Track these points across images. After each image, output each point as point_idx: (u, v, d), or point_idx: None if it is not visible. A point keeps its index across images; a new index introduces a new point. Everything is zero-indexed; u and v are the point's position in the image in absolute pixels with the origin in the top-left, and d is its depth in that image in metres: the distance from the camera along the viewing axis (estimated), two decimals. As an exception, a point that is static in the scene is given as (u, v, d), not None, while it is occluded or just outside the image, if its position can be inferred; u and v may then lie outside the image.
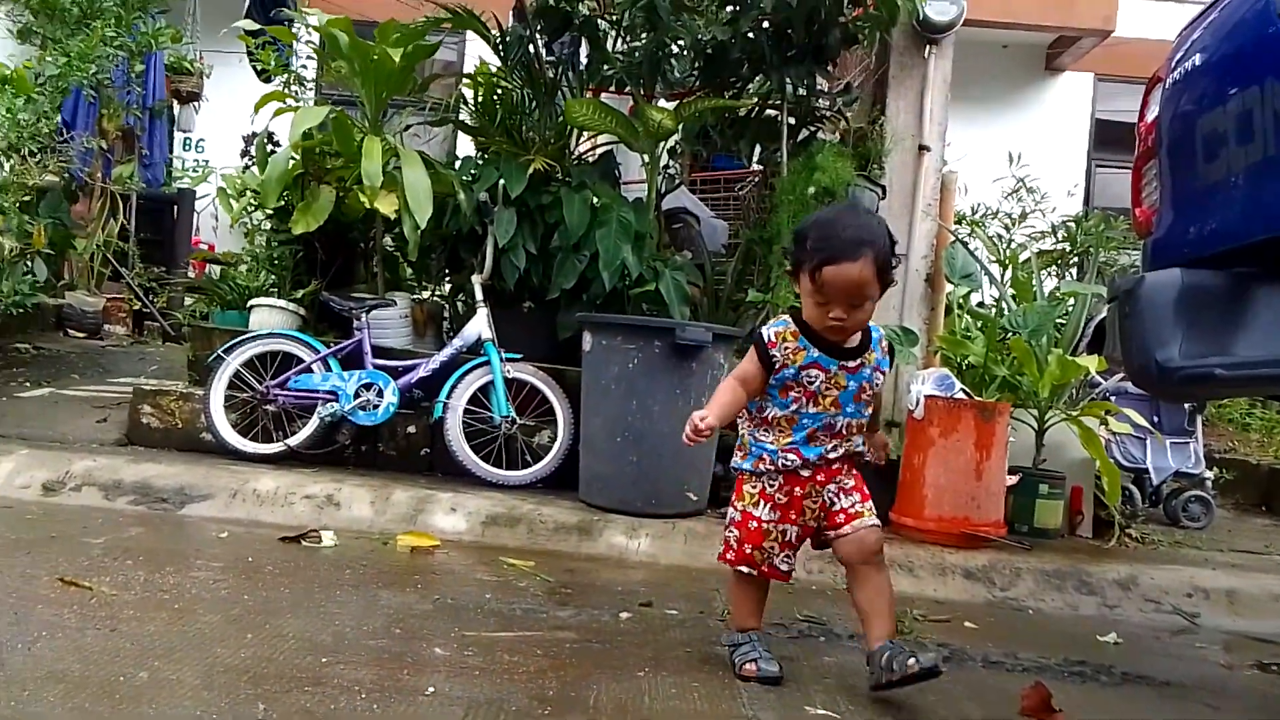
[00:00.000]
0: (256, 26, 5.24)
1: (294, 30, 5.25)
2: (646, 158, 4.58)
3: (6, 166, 5.49)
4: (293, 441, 3.94)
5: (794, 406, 2.15)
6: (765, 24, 4.42)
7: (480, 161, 4.58)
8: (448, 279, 4.94)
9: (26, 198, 5.41)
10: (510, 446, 3.99)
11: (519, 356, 4.09)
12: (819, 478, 2.18)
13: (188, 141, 9.42)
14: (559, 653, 2.28)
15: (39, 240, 5.25)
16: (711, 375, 3.68)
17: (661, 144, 4.63)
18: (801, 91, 4.66)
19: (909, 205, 4.69)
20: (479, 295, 4.15)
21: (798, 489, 2.18)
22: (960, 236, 4.90)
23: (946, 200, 4.82)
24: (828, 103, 4.99)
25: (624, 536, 3.40)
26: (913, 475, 3.66)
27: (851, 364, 2.14)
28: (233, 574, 2.71)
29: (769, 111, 4.89)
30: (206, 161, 9.06)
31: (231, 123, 7.71)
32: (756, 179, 5.45)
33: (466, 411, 3.97)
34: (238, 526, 3.28)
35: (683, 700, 2.05)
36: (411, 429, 4.17)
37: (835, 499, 2.19)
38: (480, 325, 4.08)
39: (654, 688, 2.11)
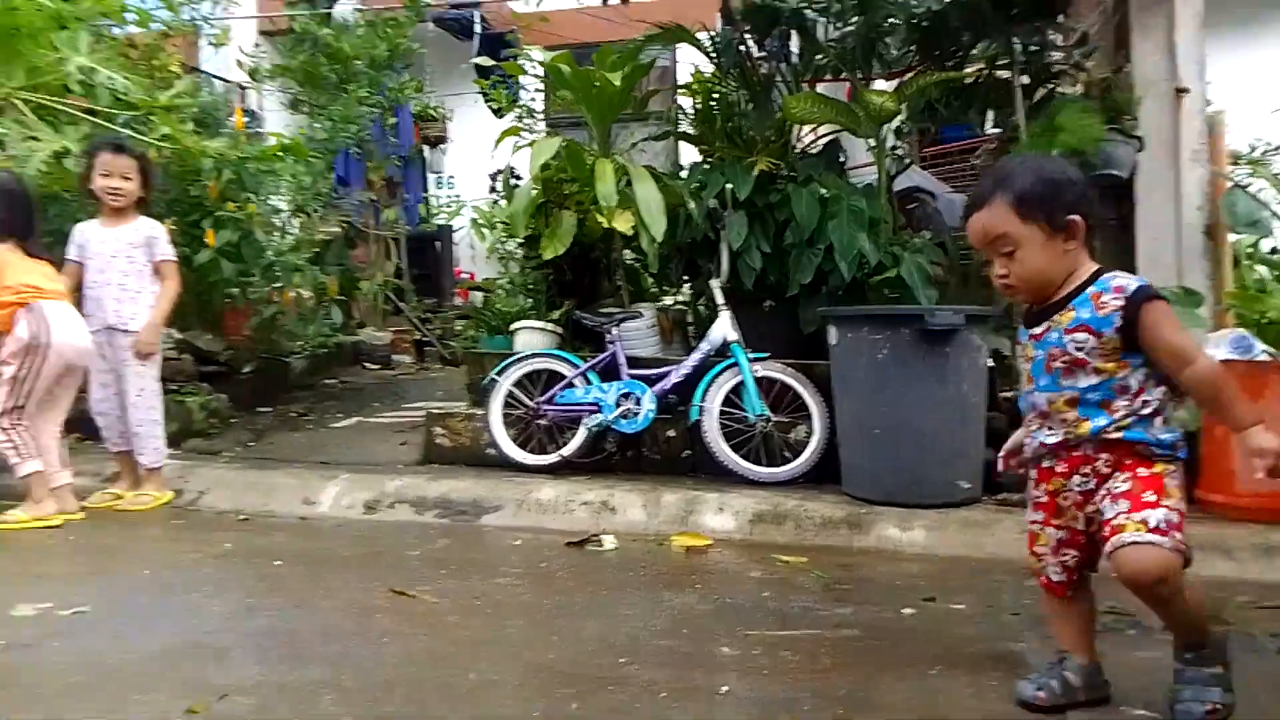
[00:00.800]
0: (489, 62, 5.64)
1: (520, 65, 5.60)
2: (872, 142, 4.51)
3: (296, 225, 6.26)
4: (565, 452, 4.23)
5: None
6: (984, -15, 4.22)
7: (705, 168, 4.69)
8: (687, 285, 5.09)
9: (316, 250, 6.14)
10: (768, 444, 4.06)
11: (766, 355, 4.16)
12: (1059, 469, 1.89)
13: (440, 180, 10.27)
14: (844, 651, 2.31)
15: (332, 289, 5.94)
16: (969, 359, 3.58)
17: (885, 126, 4.54)
18: (1032, 49, 4.40)
19: (1172, 154, 4.31)
20: (719, 299, 4.26)
21: (1045, 484, 1.93)
22: (1238, 180, 4.44)
23: (1216, 143, 4.39)
24: (1063, 56, 4.68)
25: (896, 529, 3.38)
26: (1216, 448, 3.35)
27: (1038, 330, 1.89)
28: (530, 579, 2.96)
29: (999, 74, 4.67)
30: (458, 196, 9.83)
31: (475, 157, 8.34)
32: (993, 146, 5.21)
33: (721, 412, 4.09)
34: (527, 534, 3.57)
35: (980, 700, 2.01)
36: (671, 433, 4.35)
37: (1102, 505, 1.82)
38: (724, 328, 4.19)
39: (948, 687, 2.08)
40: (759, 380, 4.08)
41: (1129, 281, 1.80)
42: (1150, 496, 1.75)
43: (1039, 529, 1.96)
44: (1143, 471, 1.79)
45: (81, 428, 4.88)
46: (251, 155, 5.34)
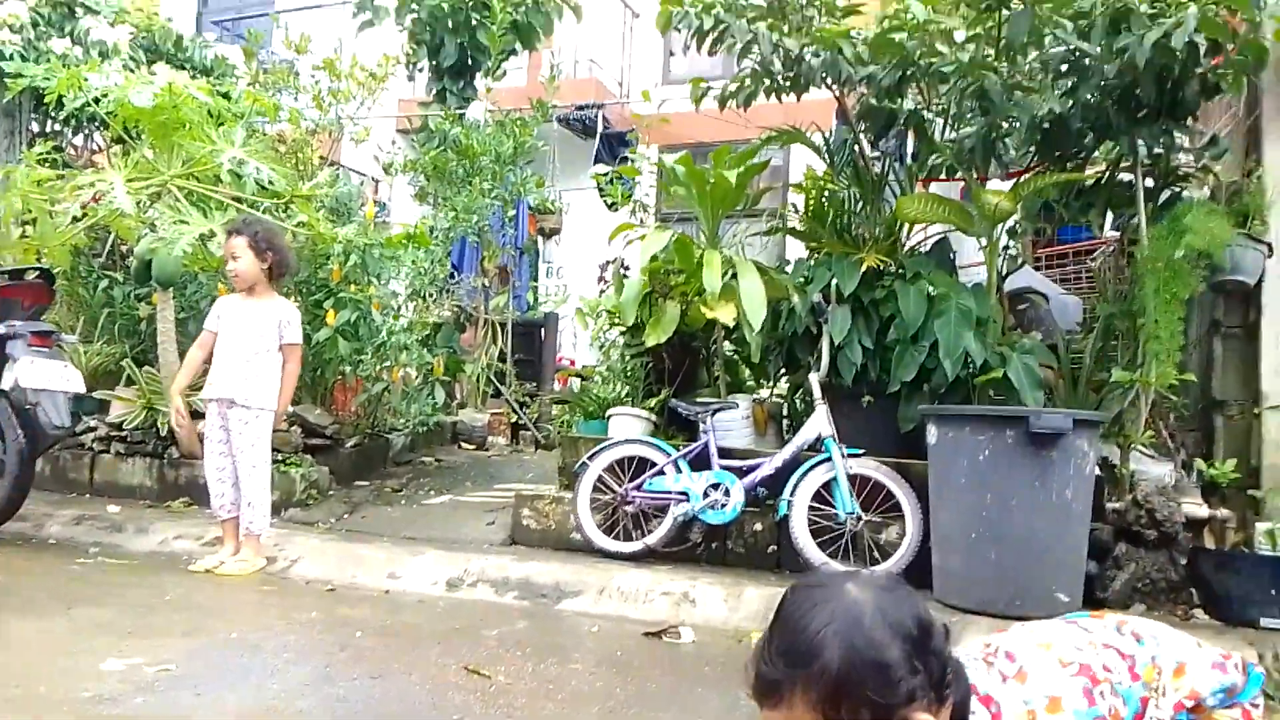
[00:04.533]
0: (607, 169, 5.86)
1: (636, 166, 5.79)
2: (984, 241, 4.44)
3: (411, 309, 6.53)
4: (650, 540, 4.18)
5: None
6: (1109, 88, 4.16)
7: (812, 263, 4.70)
8: (785, 378, 5.06)
9: (426, 333, 6.38)
10: (856, 543, 3.93)
11: (860, 452, 4.06)
12: None
13: (550, 270, 10.62)
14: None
15: (438, 369, 6.14)
16: (1074, 465, 3.40)
17: (1000, 225, 4.48)
18: (1158, 151, 4.29)
19: (1306, 261, 4.09)
20: (817, 393, 4.20)
21: None
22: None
23: (1355, 250, 4.15)
24: (1191, 158, 4.54)
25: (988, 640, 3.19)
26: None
27: None
28: (605, 667, 2.91)
29: (1121, 176, 4.55)
30: (565, 286, 10.13)
31: (586, 249, 8.60)
32: (1112, 248, 5.05)
33: (811, 508, 3.99)
34: (606, 621, 3.53)
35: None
36: (758, 526, 4.26)
37: None
38: (820, 423, 4.12)
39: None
40: (852, 477, 3.97)
41: None
42: None
43: None
44: None
45: (189, 492, 5.15)
46: (377, 242, 5.64)
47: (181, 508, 5.07)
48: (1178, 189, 4.49)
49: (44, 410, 4.27)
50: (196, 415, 4.84)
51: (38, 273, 4.81)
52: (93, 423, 5.48)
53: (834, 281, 4.36)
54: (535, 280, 9.69)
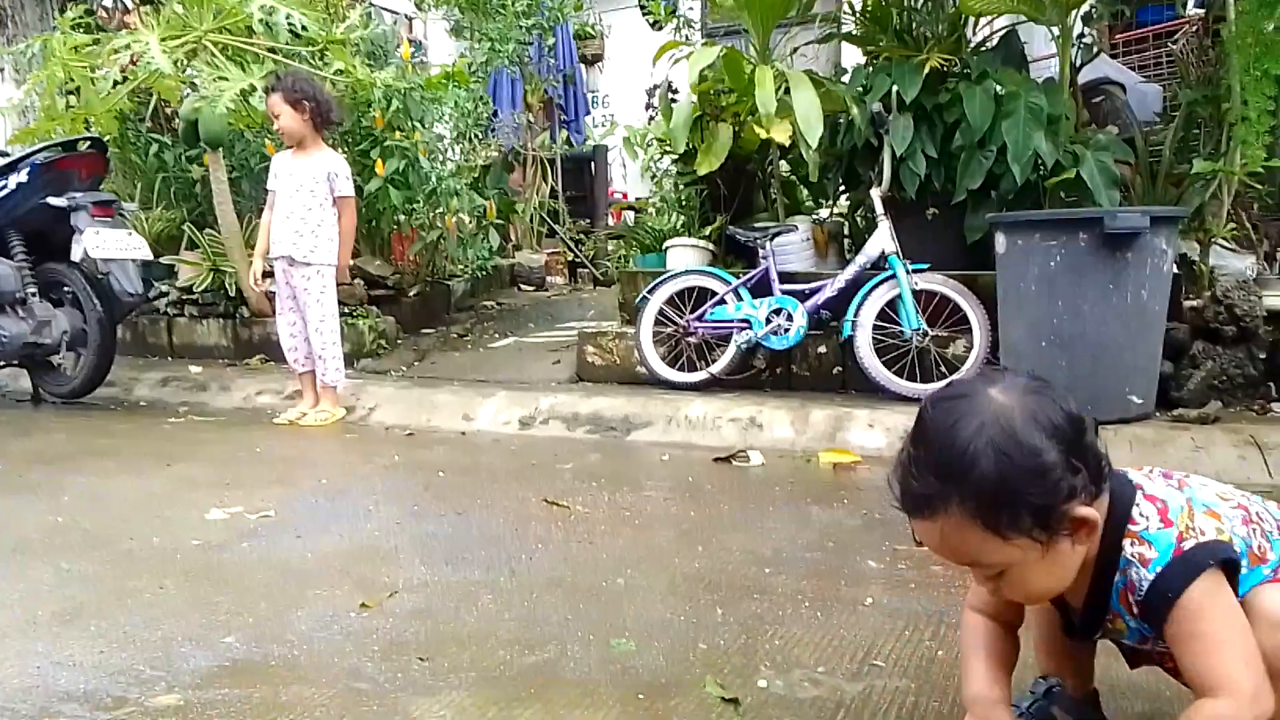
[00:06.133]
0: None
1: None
2: (1056, 30, 4.13)
3: (458, 151, 6.43)
4: (714, 369, 4.21)
5: None
6: None
7: (871, 70, 4.45)
8: (845, 196, 4.91)
9: (475, 176, 6.31)
10: (923, 359, 3.91)
11: (926, 266, 3.97)
12: None
13: (595, 99, 10.28)
14: (996, 568, 2.23)
15: (491, 213, 6.11)
16: (1151, 265, 3.28)
17: (1073, 11, 4.15)
18: (1250, -91, 3.87)
19: None
20: (879, 208, 4.08)
21: None
22: None
23: None
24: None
25: (1059, 447, 3.19)
26: None
27: (1099, 637, 1.33)
28: (678, 493, 2.99)
29: (1208, -57, 4.16)
30: (612, 116, 9.82)
31: (631, 75, 8.26)
32: (1195, 27, 4.66)
33: (876, 327, 3.96)
34: (675, 449, 3.60)
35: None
36: (822, 349, 4.25)
37: None
38: (882, 239, 4.02)
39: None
40: (917, 293, 3.91)
41: (1150, 552, 1.18)
42: None
43: None
44: None
45: (264, 349, 5.30)
46: (417, 84, 5.49)
47: (259, 364, 5.25)
48: (1272, -47, 4.08)
49: (116, 279, 4.39)
50: (265, 275, 4.94)
51: (90, 142, 4.82)
52: (164, 288, 5.63)
53: (894, 88, 4.14)
54: (589, 111, 9.39)
